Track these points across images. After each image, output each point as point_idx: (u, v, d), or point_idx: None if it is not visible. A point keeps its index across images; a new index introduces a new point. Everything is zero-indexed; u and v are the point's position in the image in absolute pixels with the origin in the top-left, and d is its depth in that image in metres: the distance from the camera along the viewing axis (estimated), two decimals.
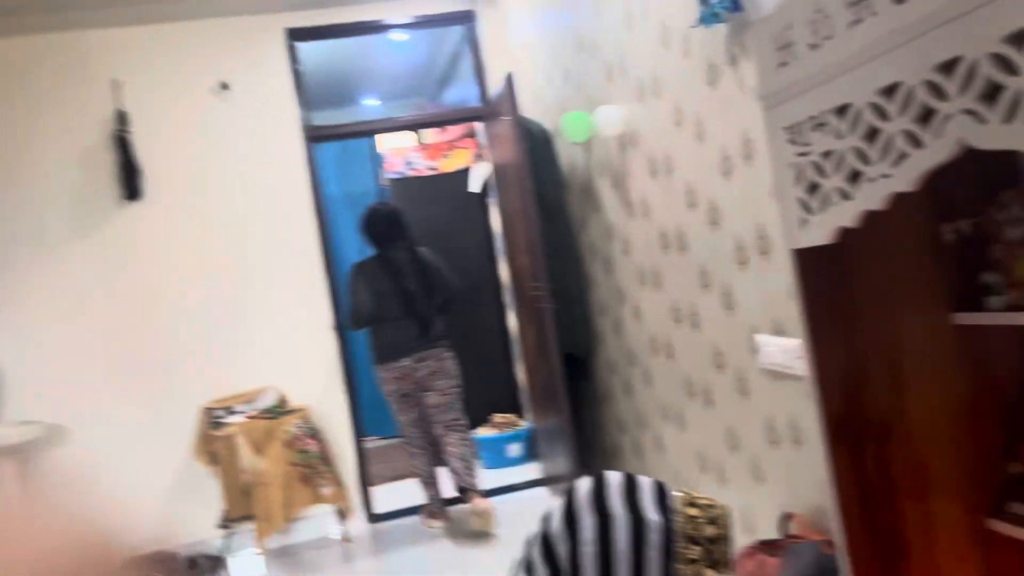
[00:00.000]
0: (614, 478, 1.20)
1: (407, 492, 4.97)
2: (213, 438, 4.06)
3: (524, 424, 5.37)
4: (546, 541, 1.16)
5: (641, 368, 3.60)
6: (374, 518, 4.56)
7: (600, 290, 3.99)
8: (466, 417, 4.31)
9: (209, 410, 4.23)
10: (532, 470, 4.94)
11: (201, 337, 4.40)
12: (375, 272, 4.10)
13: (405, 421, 4.23)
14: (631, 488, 1.17)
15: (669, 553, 1.12)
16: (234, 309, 4.46)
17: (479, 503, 4.06)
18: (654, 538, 1.12)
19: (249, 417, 4.14)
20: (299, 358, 4.49)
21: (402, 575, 3.83)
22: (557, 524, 1.16)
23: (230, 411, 4.22)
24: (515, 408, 5.68)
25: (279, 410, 4.20)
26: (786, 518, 2.47)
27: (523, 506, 4.40)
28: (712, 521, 1.14)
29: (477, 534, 4.05)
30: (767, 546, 2.40)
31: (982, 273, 1.44)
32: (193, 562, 4.13)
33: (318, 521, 4.44)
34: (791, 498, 2.55)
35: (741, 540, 2.79)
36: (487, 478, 5.03)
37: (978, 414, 1.49)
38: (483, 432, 5.35)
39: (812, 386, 1.46)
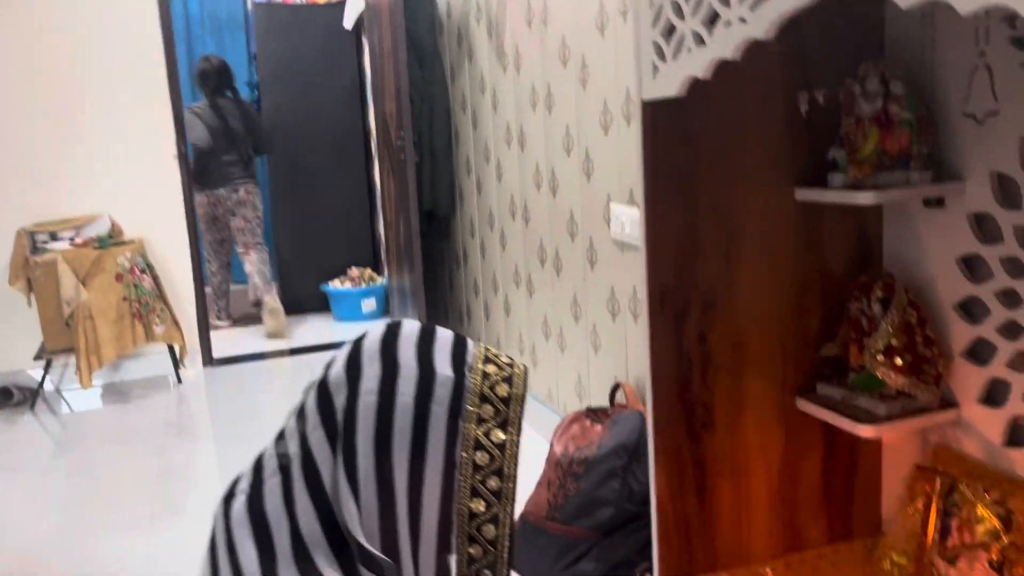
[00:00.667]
0: (410, 328, 1.08)
1: (248, 338, 4.83)
2: (32, 264, 3.72)
3: (381, 280, 5.24)
4: (324, 388, 1.04)
5: (498, 231, 3.50)
6: (212, 362, 4.39)
7: (467, 146, 3.81)
8: (265, 242, 5.12)
9: (30, 233, 3.87)
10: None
11: (23, 152, 3.96)
12: (204, 114, 4.84)
13: (210, 240, 5.06)
14: (426, 340, 1.05)
15: (457, 411, 1.02)
16: (64, 125, 4.02)
17: (271, 301, 4.91)
18: (442, 393, 1.00)
19: (76, 245, 3.82)
20: (137, 186, 4.13)
21: (235, 419, 3.72)
22: (337, 371, 1.04)
23: (54, 237, 3.88)
24: (374, 263, 5.53)
25: (111, 240, 3.89)
26: (615, 388, 2.48)
27: None
28: (507, 380, 1.04)
29: (271, 334, 4.84)
30: (594, 413, 2.41)
31: (830, 148, 1.37)
32: (7, 392, 3.88)
33: (152, 360, 4.23)
34: (623, 369, 2.56)
35: (574, 407, 2.81)
36: (339, 331, 4.93)
37: (804, 294, 1.46)
38: (337, 285, 5.19)
39: (644, 250, 1.38)
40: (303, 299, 5.30)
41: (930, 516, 1.37)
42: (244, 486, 1.04)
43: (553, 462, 2.35)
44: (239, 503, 1.02)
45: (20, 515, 2.82)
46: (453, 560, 1.02)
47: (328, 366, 1.05)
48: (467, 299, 4.03)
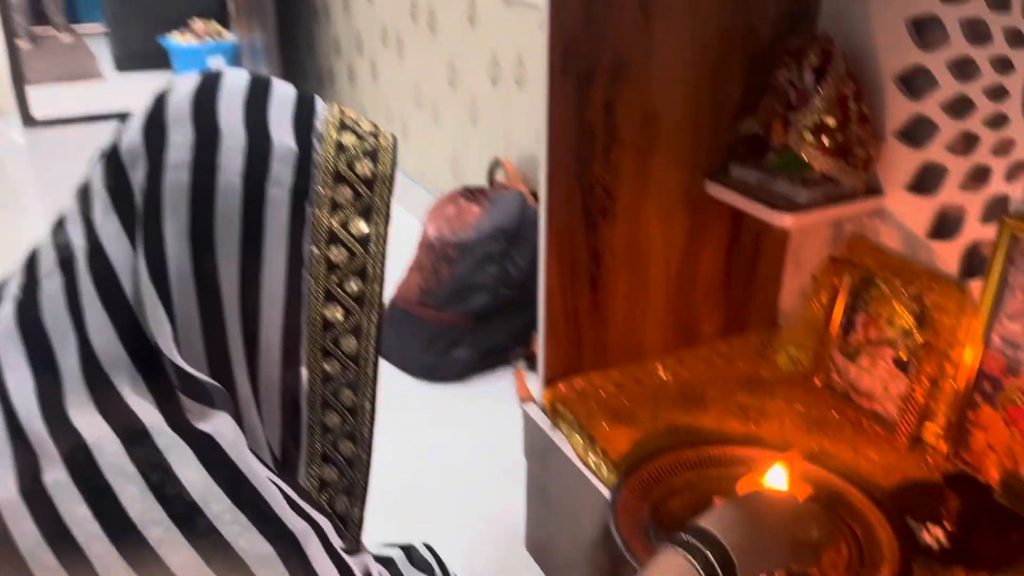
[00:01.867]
0: (234, 80, 0.77)
1: (76, 96, 4.24)
2: None
3: (230, 36, 4.64)
4: (114, 159, 0.74)
5: None
6: (33, 123, 3.82)
7: None
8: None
9: None
10: None
11: None
12: None
13: None
14: (258, 98, 0.76)
15: (302, 193, 0.75)
16: None
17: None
18: (281, 170, 0.74)
19: None
20: None
21: (61, 190, 3.28)
22: (133, 136, 0.74)
23: None
24: (221, 15, 4.87)
25: None
26: (495, 165, 2.26)
27: None
28: (370, 155, 0.78)
29: None
30: (471, 193, 2.20)
31: None
32: None
33: None
34: (505, 145, 2.33)
35: (449, 186, 2.59)
36: None
37: (725, 61, 1.24)
38: (179, 39, 4.57)
39: (546, 6, 1.10)
40: (138, 54, 4.66)
41: (835, 310, 1.28)
42: (13, 289, 0.76)
43: (426, 245, 2.15)
44: (5, 312, 0.75)
45: None
46: (304, 375, 0.81)
47: (120, 130, 0.76)
48: (328, 61, 3.60)
